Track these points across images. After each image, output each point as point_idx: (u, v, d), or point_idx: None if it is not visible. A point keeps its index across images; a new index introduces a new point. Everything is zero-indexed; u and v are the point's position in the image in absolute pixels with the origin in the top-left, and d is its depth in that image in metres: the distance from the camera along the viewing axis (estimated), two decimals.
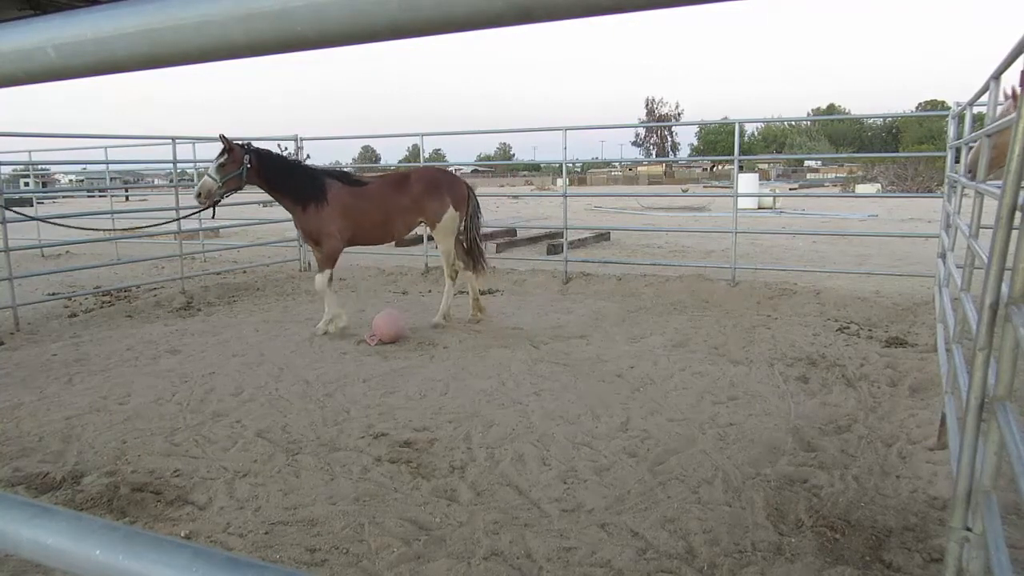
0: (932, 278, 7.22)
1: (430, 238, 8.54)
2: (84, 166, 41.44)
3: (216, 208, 6.38)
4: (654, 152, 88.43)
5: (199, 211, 7.02)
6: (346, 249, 6.59)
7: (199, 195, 6.04)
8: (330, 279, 6.37)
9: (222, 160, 6.03)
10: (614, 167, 66.00)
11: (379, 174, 7.14)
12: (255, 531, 3.09)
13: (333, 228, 6.29)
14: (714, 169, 63.70)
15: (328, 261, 6.34)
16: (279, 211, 7.04)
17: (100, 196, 27.49)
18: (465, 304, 7.79)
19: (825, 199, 24.16)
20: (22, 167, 15.30)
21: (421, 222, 6.65)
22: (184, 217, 7.94)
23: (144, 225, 8.89)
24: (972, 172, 3.47)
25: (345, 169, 9.45)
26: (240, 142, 6.22)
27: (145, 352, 6.06)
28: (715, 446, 3.88)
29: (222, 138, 6.11)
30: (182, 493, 3.46)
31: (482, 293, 8.50)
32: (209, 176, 6.05)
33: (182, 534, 3.08)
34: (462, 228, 6.82)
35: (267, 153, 6.30)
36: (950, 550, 1.73)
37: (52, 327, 7.12)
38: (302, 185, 6.24)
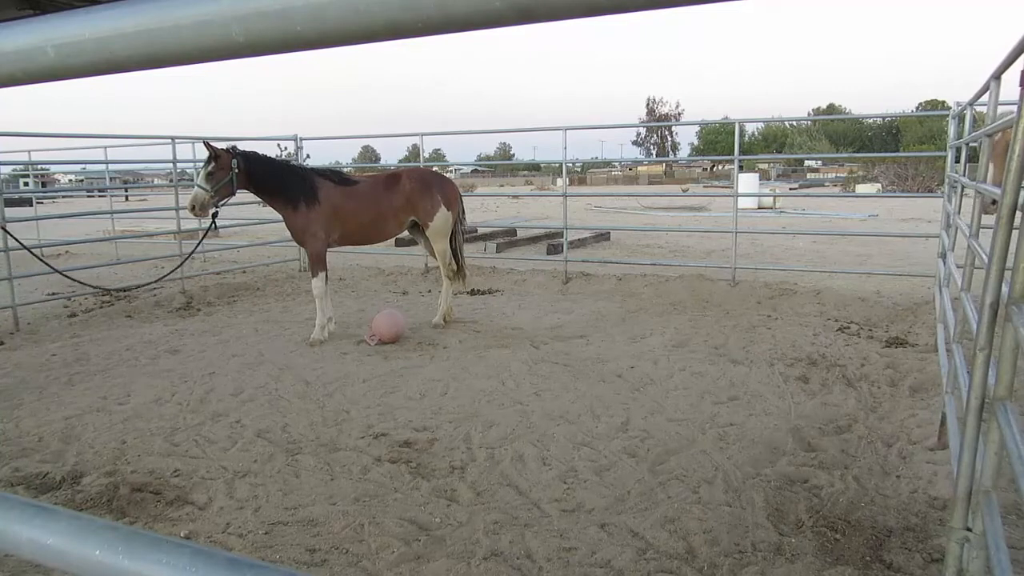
0: (932, 278, 7.22)
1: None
2: (84, 166, 41.49)
3: (215, 218, 6.13)
4: (654, 152, 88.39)
5: (206, 232, 6.67)
6: (344, 249, 6.51)
7: (192, 208, 5.78)
8: (326, 280, 6.32)
9: (210, 168, 5.76)
10: (614, 167, 66.05)
11: (368, 175, 7.03)
12: (255, 531, 3.10)
13: (317, 228, 6.17)
14: (714, 169, 63.76)
15: (317, 263, 6.25)
16: None
17: (100, 196, 27.57)
18: (465, 304, 7.80)
19: (825, 199, 24.17)
20: (22, 167, 15.32)
21: (413, 221, 6.61)
22: (199, 245, 7.26)
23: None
24: None
25: (345, 169, 9.41)
26: (226, 146, 5.99)
27: (145, 352, 6.06)
28: (715, 446, 3.88)
29: (207, 144, 5.89)
30: (182, 493, 3.46)
31: (482, 293, 8.53)
32: (199, 187, 5.77)
33: (182, 534, 3.08)
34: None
35: (255, 155, 6.08)
36: (950, 550, 1.73)
37: (52, 327, 7.13)
38: (294, 186, 6.09)
